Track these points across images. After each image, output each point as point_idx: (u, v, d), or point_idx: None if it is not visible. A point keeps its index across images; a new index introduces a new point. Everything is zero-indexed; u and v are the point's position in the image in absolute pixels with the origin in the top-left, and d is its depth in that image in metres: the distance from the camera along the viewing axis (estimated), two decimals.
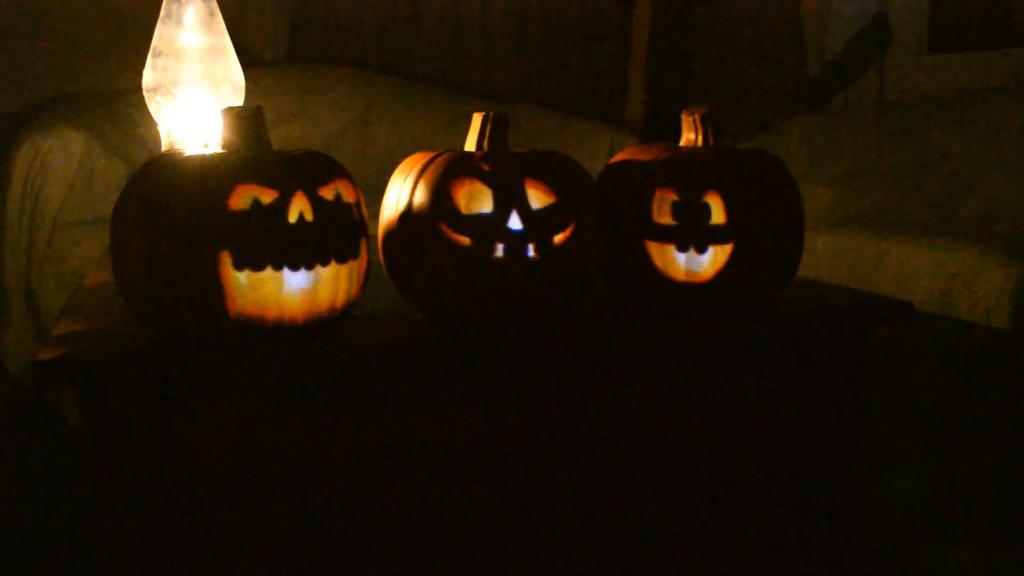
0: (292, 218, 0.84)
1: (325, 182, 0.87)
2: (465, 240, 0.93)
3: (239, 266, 0.82)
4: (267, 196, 0.83)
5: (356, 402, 0.92)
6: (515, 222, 0.93)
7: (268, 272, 0.83)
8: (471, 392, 0.96)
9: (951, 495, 1.36)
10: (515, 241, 0.93)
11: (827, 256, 1.73)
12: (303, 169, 0.87)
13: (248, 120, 0.89)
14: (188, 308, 0.83)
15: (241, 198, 0.82)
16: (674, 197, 0.99)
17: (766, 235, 1.00)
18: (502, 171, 0.94)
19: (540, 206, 0.94)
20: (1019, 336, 1.34)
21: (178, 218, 0.82)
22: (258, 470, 0.90)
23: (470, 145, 1.01)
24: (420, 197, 0.94)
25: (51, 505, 1.56)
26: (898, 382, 1.41)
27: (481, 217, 0.93)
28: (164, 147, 1.11)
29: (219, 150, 0.90)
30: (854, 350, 1.13)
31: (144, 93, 1.09)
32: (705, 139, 1.06)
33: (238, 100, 1.13)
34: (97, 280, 1.24)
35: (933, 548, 1.33)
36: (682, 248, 0.99)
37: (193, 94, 1.07)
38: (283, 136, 2.43)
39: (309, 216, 0.85)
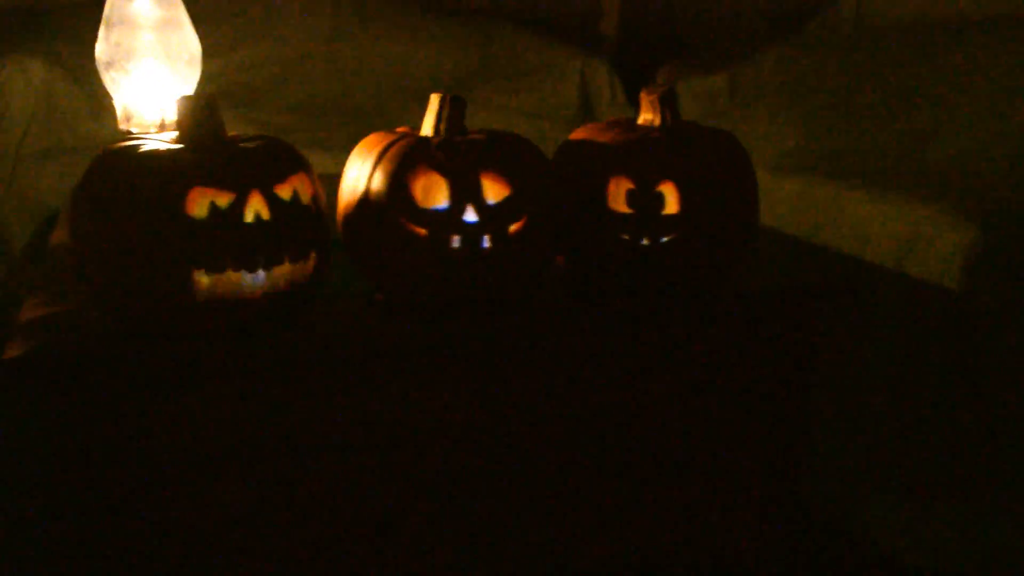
0: (248, 218, 0.86)
1: (281, 179, 0.89)
2: (422, 231, 0.96)
3: (198, 268, 0.85)
4: (223, 198, 0.85)
5: (320, 385, 0.96)
6: (470, 215, 0.96)
7: (228, 273, 0.86)
8: (429, 372, 1.00)
9: (896, 452, 1.43)
10: (470, 233, 0.96)
11: (792, 203, 1.77)
12: (259, 167, 0.89)
13: (203, 109, 0.91)
14: (151, 301, 0.86)
15: (198, 203, 0.84)
16: (630, 185, 1.02)
17: (718, 223, 1.04)
18: (458, 164, 0.96)
19: (495, 199, 0.97)
20: (967, 298, 1.40)
21: (138, 223, 0.84)
22: (230, 451, 0.94)
23: (427, 127, 1.03)
24: (378, 186, 0.96)
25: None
26: (849, 338, 1.47)
27: (438, 211, 0.95)
28: (120, 122, 1.12)
29: (174, 137, 0.92)
30: (801, 328, 1.18)
31: (97, 65, 1.09)
32: (663, 120, 1.08)
33: (195, 72, 1.13)
34: (58, 240, 1.26)
35: (879, 503, 1.41)
36: (636, 237, 1.02)
37: (148, 68, 1.08)
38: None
39: (266, 215, 0.87)
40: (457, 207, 0.95)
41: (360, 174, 0.99)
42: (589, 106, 2.40)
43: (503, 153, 0.99)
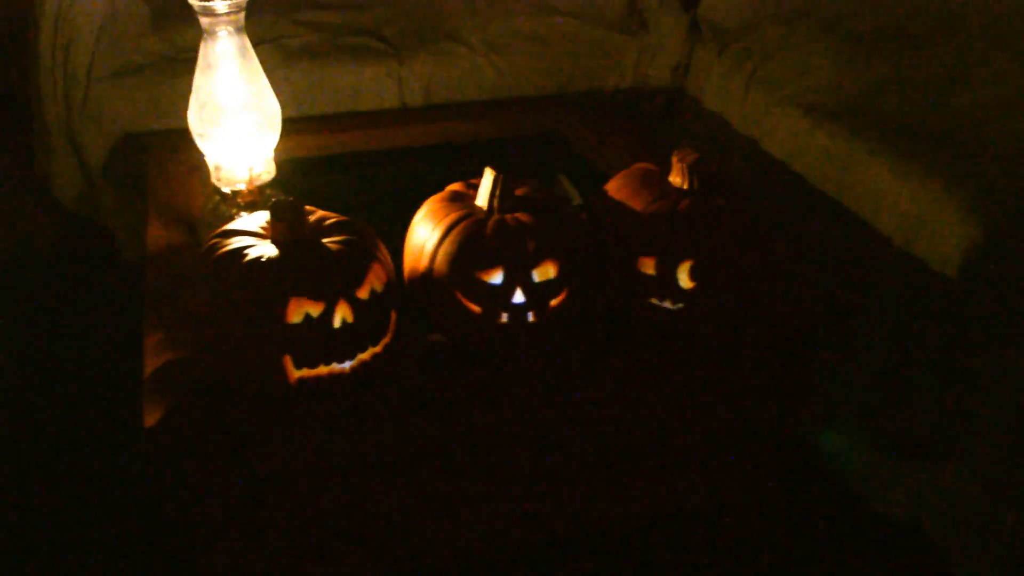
0: (337, 324, 1.06)
1: (360, 281, 1.08)
2: (476, 308, 1.15)
3: (298, 366, 1.06)
4: (316, 309, 1.05)
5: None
6: (519, 296, 1.14)
7: (320, 367, 1.07)
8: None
9: (886, 416, 1.66)
10: (517, 311, 1.15)
11: (821, 157, 1.89)
12: (342, 273, 1.07)
13: (293, 213, 1.08)
14: (253, 382, 1.08)
15: (295, 312, 1.04)
16: (658, 262, 1.20)
17: (727, 289, 1.22)
18: (513, 255, 1.13)
19: (542, 280, 1.15)
20: (962, 290, 1.57)
21: (244, 325, 1.04)
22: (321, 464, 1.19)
23: (482, 199, 1.19)
24: (440, 265, 1.15)
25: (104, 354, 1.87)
26: (853, 311, 1.66)
27: (491, 288, 1.14)
28: (212, 179, 1.29)
29: (265, 222, 1.10)
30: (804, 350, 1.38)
31: (191, 130, 1.24)
32: (691, 184, 1.23)
33: (276, 129, 1.28)
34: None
35: (868, 459, 1.66)
36: (659, 299, 1.21)
37: (236, 134, 1.23)
38: None
39: (350, 318, 1.07)
40: (508, 288, 1.14)
41: (425, 247, 1.17)
42: (635, 7, 2.45)
43: (554, 237, 1.16)
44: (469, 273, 1.14)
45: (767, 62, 2.18)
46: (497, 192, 1.18)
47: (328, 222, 1.14)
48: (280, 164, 1.37)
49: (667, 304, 1.22)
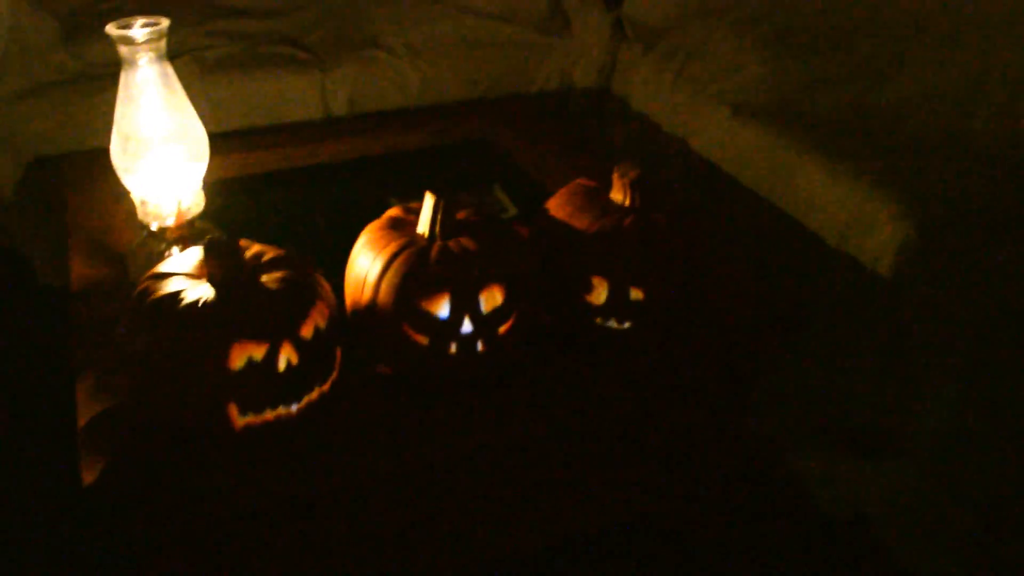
0: (281, 366, 1.02)
1: (304, 319, 1.04)
2: (424, 340, 1.12)
3: (243, 412, 1.02)
4: (259, 352, 1.01)
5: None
6: (467, 326, 1.12)
7: (266, 412, 1.03)
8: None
9: (828, 414, 1.68)
10: (466, 340, 1.13)
11: (751, 154, 1.90)
12: (284, 312, 1.03)
13: (229, 255, 1.04)
14: (193, 431, 1.04)
15: (238, 358, 1.00)
16: (607, 284, 1.18)
17: (674, 305, 1.22)
18: (459, 282, 1.11)
19: (490, 308, 1.13)
20: (895, 289, 1.59)
21: (183, 372, 1.00)
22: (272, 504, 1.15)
23: (423, 226, 1.16)
24: (384, 296, 1.12)
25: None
26: (795, 315, 1.67)
27: (439, 321, 1.11)
28: (139, 216, 1.23)
29: (198, 263, 1.06)
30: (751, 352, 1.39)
31: (114, 165, 1.18)
32: (632, 202, 1.22)
33: (204, 159, 1.23)
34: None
35: (809, 456, 1.68)
36: (606, 319, 1.20)
37: (162, 167, 1.17)
38: None
39: (295, 360, 1.03)
40: (456, 318, 1.12)
41: (367, 278, 1.14)
42: (559, 8, 2.44)
43: (500, 262, 1.13)
44: (414, 304, 1.11)
45: (693, 60, 2.19)
46: (439, 218, 1.15)
47: (266, 258, 1.10)
48: (204, 186, 1.32)
49: (613, 324, 1.21)
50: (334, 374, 1.10)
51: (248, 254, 1.10)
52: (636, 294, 1.19)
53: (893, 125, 1.88)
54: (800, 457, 1.69)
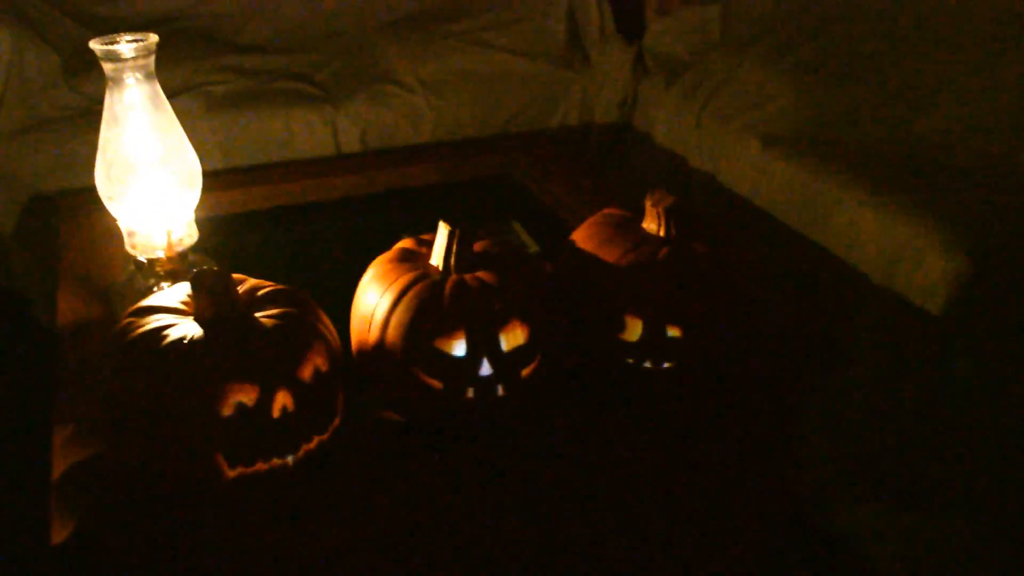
0: (276, 413, 0.90)
1: (302, 361, 0.92)
2: (437, 384, 0.99)
3: (232, 464, 0.89)
4: (251, 397, 0.89)
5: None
6: (486, 368, 0.99)
7: (259, 464, 0.90)
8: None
9: (876, 461, 1.53)
10: (485, 384, 1.00)
11: (785, 186, 1.78)
12: (280, 353, 0.91)
13: (220, 290, 0.92)
14: (180, 482, 0.91)
15: (227, 403, 0.88)
16: (641, 321, 1.05)
17: (715, 346, 1.08)
18: (477, 318, 0.98)
19: (511, 347, 1.00)
20: (949, 325, 1.46)
21: (168, 418, 0.87)
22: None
23: (437, 258, 1.04)
24: (393, 335, 0.99)
25: None
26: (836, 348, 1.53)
27: (454, 360, 0.99)
28: (127, 246, 1.12)
29: (187, 297, 0.93)
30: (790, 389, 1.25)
31: (99, 191, 1.07)
32: (667, 231, 1.10)
33: (196, 188, 1.12)
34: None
35: (860, 510, 1.53)
36: (640, 360, 1.07)
37: (150, 194, 1.06)
38: None
39: (291, 406, 0.91)
40: (473, 358, 0.99)
41: (374, 315, 1.01)
42: (578, 41, 2.34)
43: (521, 297, 1.01)
44: (427, 344, 0.98)
45: (719, 93, 2.08)
46: (454, 249, 1.03)
47: (261, 292, 0.98)
48: (204, 224, 1.21)
49: (648, 364, 1.08)
50: (336, 421, 0.98)
51: (242, 289, 0.98)
52: (674, 332, 1.06)
53: (936, 155, 1.75)
54: (849, 511, 1.54)
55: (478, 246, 1.07)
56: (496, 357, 0.99)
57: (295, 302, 0.96)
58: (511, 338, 1.00)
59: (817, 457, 1.58)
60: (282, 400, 0.90)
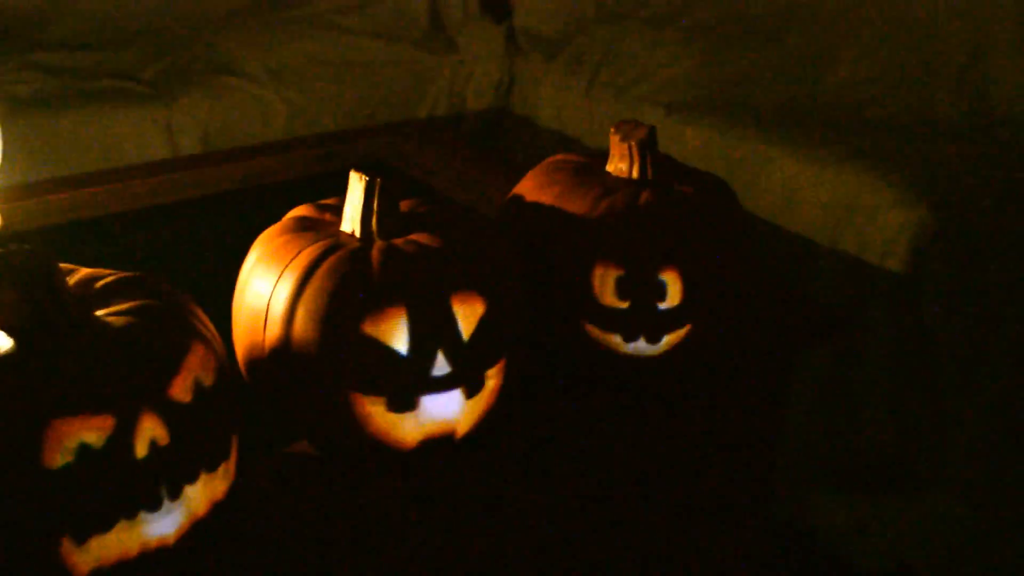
0: (140, 452, 0.57)
1: (174, 372, 0.60)
2: (375, 406, 0.69)
3: (80, 540, 0.56)
4: (96, 432, 0.56)
5: None
6: (441, 365, 0.69)
7: (119, 526, 0.57)
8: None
9: (845, 449, 1.32)
10: (438, 387, 0.70)
11: (701, 154, 1.56)
12: (140, 364, 0.58)
13: (30, 276, 0.59)
14: None
15: (60, 448, 0.55)
16: (619, 272, 0.78)
17: (725, 306, 0.82)
18: (420, 290, 0.69)
19: (470, 335, 0.70)
20: (915, 282, 1.26)
21: None
22: None
23: (351, 221, 0.74)
24: (303, 328, 0.68)
25: None
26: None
27: (393, 356, 0.68)
28: None
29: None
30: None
31: None
32: (642, 171, 0.83)
33: None
34: None
35: (831, 503, 1.31)
36: (630, 338, 0.80)
37: None
38: None
39: (164, 438, 0.58)
40: (421, 354, 0.69)
41: (272, 305, 0.70)
42: (440, 22, 2.07)
43: (476, 263, 0.72)
44: (355, 331, 0.68)
45: (606, 65, 1.85)
46: (376, 207, 0.73)
47: (101, 283, 0.65)
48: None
49: (642, 344, 0.80)
50: (230, 461, 0.65)
51: (74, 280, 0.65)
52: (672, 293, 0.79)
53: (849, 108, 1.58)
54: (827, 503, 1.32)
55: (403, 206, 0.77)
56: (454, 348, 0.70)
57: (153, 292, 0.64)
58: (467, 315, 0.71)
59: (793, 447, 1.35)
60: (149, 431, 0.57)
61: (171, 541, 0.61)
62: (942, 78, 1.59)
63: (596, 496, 0.87)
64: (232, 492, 0.66)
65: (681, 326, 0.80)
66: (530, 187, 0.85)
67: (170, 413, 0.58)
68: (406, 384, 0.69)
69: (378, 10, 2.02)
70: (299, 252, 0.71)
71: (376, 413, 0.70)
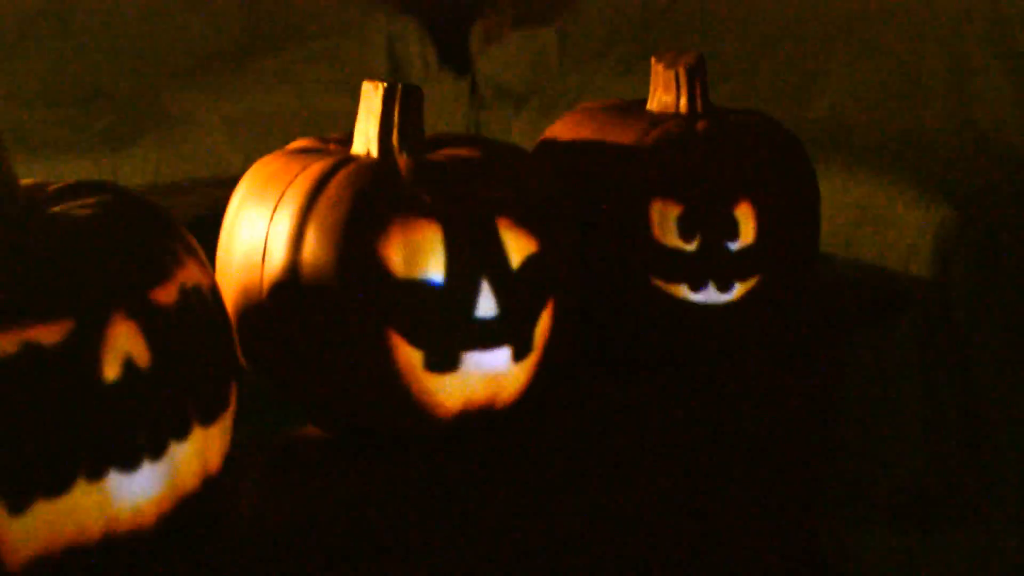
0: (111, 372, 0.41)
1: (159, 269, 0.44)
2: (406, 348, 0.53)
3: (14, 506, 0.39)
4: (49, 333, 0.39)
5: None
6: (486, 301, 0.54)
7: (78, 489, 0.40)
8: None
9: (885, 478, 1.18)
10: (488, 336, 0.55)
11: None
12: (110, 255, 0.43)
13: None
14: None
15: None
16: (681, 208, 0.65)
17: (796, 252, 0.69)
18: (459, 201, 0.54)
19: (519, 262, 0.56)
20: (943, 286, 1.15)
21: None
22: None
23: (364, 140, 0.60)
24: (316, 258, 0.53)
25: None
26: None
27: (426, 288, 0.53)
28: None
29: None
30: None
31: None
32: (691, 103, 0.71)
33: None
34: None
35: (873, 537, 1.15)
36: (697, 287, 0.66)
37: None
38: None
39: (144, 357, 0.42)
40: (461, 283, 0.54)
41: (271, 239, 0.55)
42: (401, 75, 1.97)
43: (521, 188, 0.58)
44: (372, 256, 0.53)
45: None
46: (396, 118, 0.59)
47: (54, 187, 0.49)
48: None
49: (712, 293, 0.66)
50: (228, 411, 0.49)
51: (24, 183, 0.49)
52: (745, 231, 0.66)
53: (841, 133, 1.50)
54: (865, 542, 1.16)
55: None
56: (501, 279, 0.55)
57: (119, 194, 0.48)
58: (517, 247, 0.56)
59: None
60: (123, 339, 0.41)
61: (149, 522, 0.44)
62: (927, 99, 1.53)
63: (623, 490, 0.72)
64: (229, 466, 0.49)
65: (754, 271, 0.66)
66: (563, 128, 0.72)
67: (152, 321, 0.42)
68: (446, 326, 0.53)
69: (339, 62, 1.92)
70: (303, 169, 0.57)
71: (413, 370, 0.54)
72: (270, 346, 0.56)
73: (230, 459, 0.49)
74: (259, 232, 0.56)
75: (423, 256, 0.53)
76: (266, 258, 0.55)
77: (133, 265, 0.43)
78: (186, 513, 0.46)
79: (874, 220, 1.21)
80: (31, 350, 0.39)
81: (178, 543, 0.46)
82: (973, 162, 1.32)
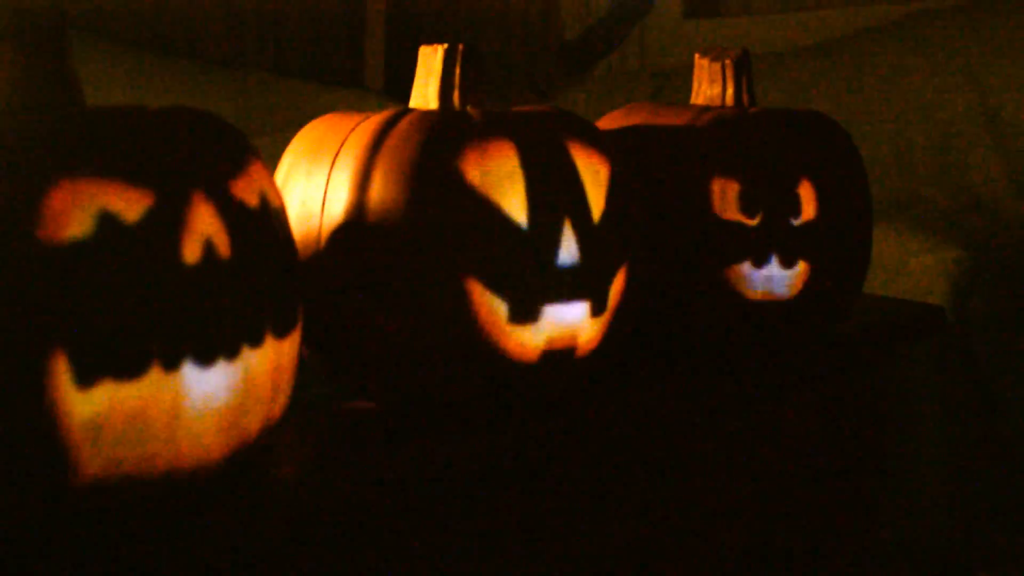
0: (191, 254, 0.36)
1: (240, 170, 0.40)
2: (500, 308, 0.49)
3: (83, 378, 0.34)
4: (129, 203, 0.35)
5: None
6: (569, 246, 0.51)
7: (150, 378, 0.35)
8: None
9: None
10: (572, 287, 0.51)
11: None
12: (189, 141, 0.39)
13: (42, 36, 0.40)
14: None
15: (72, 213, 0.34)
16: (741, 186, 0.62)
17: (853, 233, 0.67)
18: (543, 141, 0.52)
19: (598, 216, 0.53)
20: (958, 316, 1.13)
21: None
22: None
23: (424, 96, 0.57)
24: (386, 202, 0.49)
25: None
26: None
27: (516, 232, 0.50)
28: None
29: None
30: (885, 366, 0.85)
31: None
32: (738, 96, 0.69)
33: None
34: None
35: None
36: (760, 263, 0.63)
37: None
38: None
39: (224, 246, 0.37)
40: (544, 225, 0.50)
41: (329, 201, 0.51)
42: None
43: (603, 145, 0.56)
44: (451, 177, 0.49)
45: None
46: (457, 78, 0.57)
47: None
48: None
49: (775, 269, 0.63)
50: (296, 329, 0.44)
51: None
52: (807, 210, 0.63)
53: None
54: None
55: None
56: (583, 226, 0.52)
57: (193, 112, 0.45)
58: (596, 196, 0.53)
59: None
60: (204, 223, 0.37)
61: (213, 459, 0.39)
62: (921, 167, 1.55)
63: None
64: (286, 420, 0.45)
65: (816, 249, 0.63)
66: (611, 121, 0.70)
67: (232, 211, 0.38)
68: (529, 272, 0.50)
69: None
70: (361, 122, 0.54)
71: (497, 322, 0.50)
72: (328, 307, 0.52)
73: (286, 419, 0.45)
74: (316, 185, 0.52)
75: (502, 180, 0.50)
76: (325, 208, 0.51)
77: (216, 155, 0.39)
78: (245, 457, 0.41)
79: (885, 269, 1.20)
80: (111, 226, 0.34)
81: (232, 498, 0.41)
82: (971, 218, 1.33)
